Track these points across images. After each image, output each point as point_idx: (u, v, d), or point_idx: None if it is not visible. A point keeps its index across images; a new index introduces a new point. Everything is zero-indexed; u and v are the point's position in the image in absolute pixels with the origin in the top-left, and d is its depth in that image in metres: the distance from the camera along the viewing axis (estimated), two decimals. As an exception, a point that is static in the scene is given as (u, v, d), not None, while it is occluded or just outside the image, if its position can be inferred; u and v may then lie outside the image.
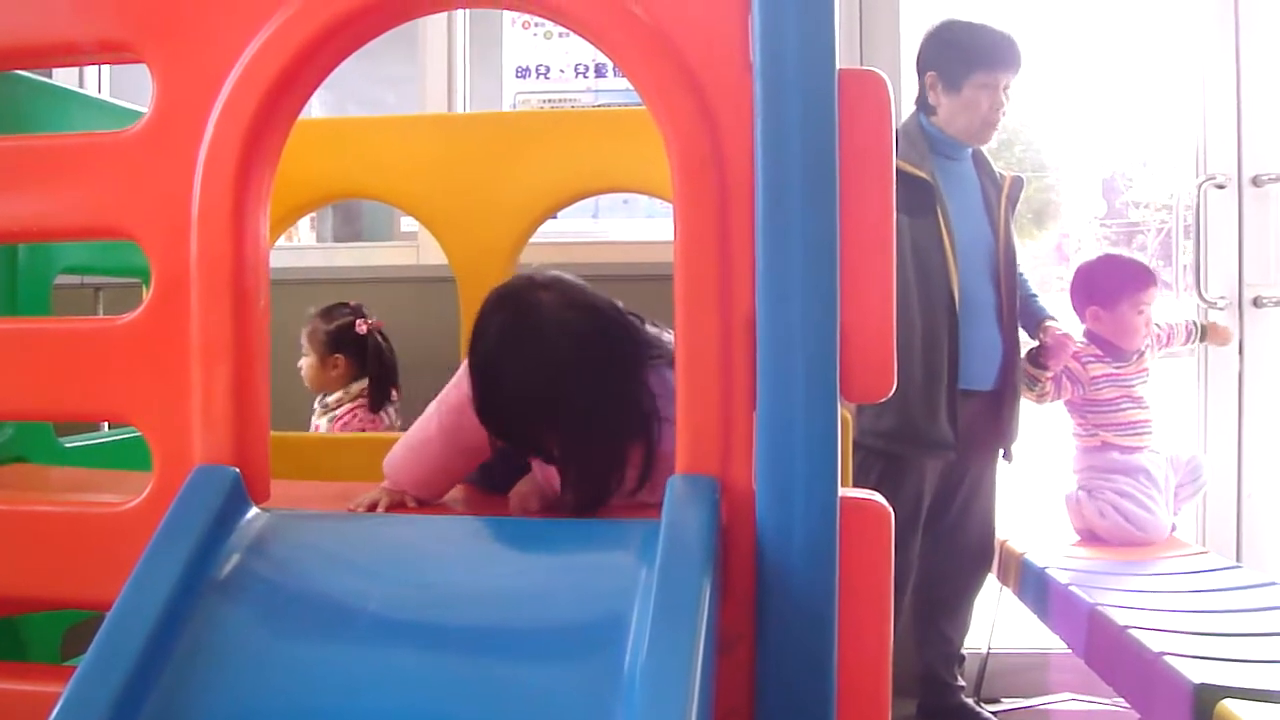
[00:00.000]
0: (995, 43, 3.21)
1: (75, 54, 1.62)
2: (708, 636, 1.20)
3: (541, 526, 1.53)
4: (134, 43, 1.53)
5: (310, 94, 1.55)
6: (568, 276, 1.75)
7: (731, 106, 1.37)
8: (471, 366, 1.71)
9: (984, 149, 3.35)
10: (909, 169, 3.08)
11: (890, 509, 1.41)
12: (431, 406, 1.86)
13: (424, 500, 1.83)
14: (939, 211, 3.11)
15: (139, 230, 1.51)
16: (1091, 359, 3.39)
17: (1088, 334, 3.46)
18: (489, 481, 1.92)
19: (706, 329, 1.37)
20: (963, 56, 3.22)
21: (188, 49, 1.51)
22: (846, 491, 1.39)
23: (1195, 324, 3.51)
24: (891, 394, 1.43)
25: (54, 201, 1.55)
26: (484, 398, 1.70)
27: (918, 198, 3.08)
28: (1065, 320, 3.45)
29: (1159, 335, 3.45)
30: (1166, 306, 3.64)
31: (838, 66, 1.36)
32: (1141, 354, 3.42)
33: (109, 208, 1.53)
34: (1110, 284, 3.43)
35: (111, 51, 1.59)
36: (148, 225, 1.51)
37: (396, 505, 1.80)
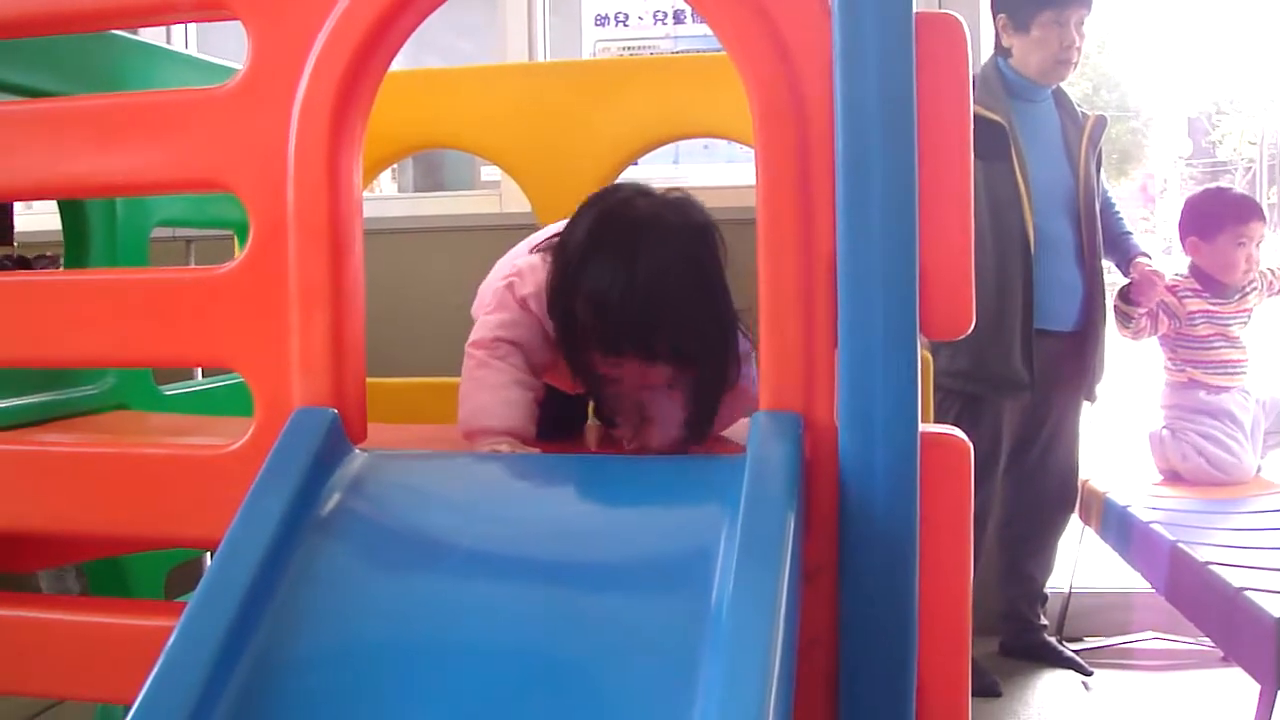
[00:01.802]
0: None
1: (172, 13, 1.67)
2: (792, 570, 1.23)
3: (629, 464, 1.57)
4: (229, 1, 1.58)
5: (401, 45, 1.58)
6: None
7: (810, 51, 1.39)
8: (573, 290, 1.66)
9: (1066, 90, 3.35)
10: (983, 113, 3.08)
11: (970, 444, 1.43)
12: (477, 355, 1.77)
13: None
14: (1014, 154, 3.11)
15: (237, 182, 1.56)
16: (1189, 293, 3.37)
17: (1190, 268, 3.44)
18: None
19: (788, 269, 1.40)
20: None
21: (281, 5, 1.55)
22: (927, 427, 1.42)
23: None
24: (967, 334, 1.45)
25: (157, 155, 1.61)
26: (602, 318, 1.63)
27: (991, 141, 3.08)
28: (1161, 257, 3.44)
29: (1270, 281, 3.41)
30: (1272, 248, 3.59)
31: (915, 10, 1.38)
32: (1245, 294, 3.38)
33: (209, 161, 1.58)
34: (1211, 215, 3.40)
35: (207, 10, 1.63)
36: (246, 177, 1.56)
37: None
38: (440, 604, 1.31)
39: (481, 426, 1.71)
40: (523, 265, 1.80)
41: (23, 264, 2.85)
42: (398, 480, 1.51)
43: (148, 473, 1.63)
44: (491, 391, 1.73)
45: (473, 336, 1.78)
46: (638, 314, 1.61)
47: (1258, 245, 3.35)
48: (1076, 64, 3.24)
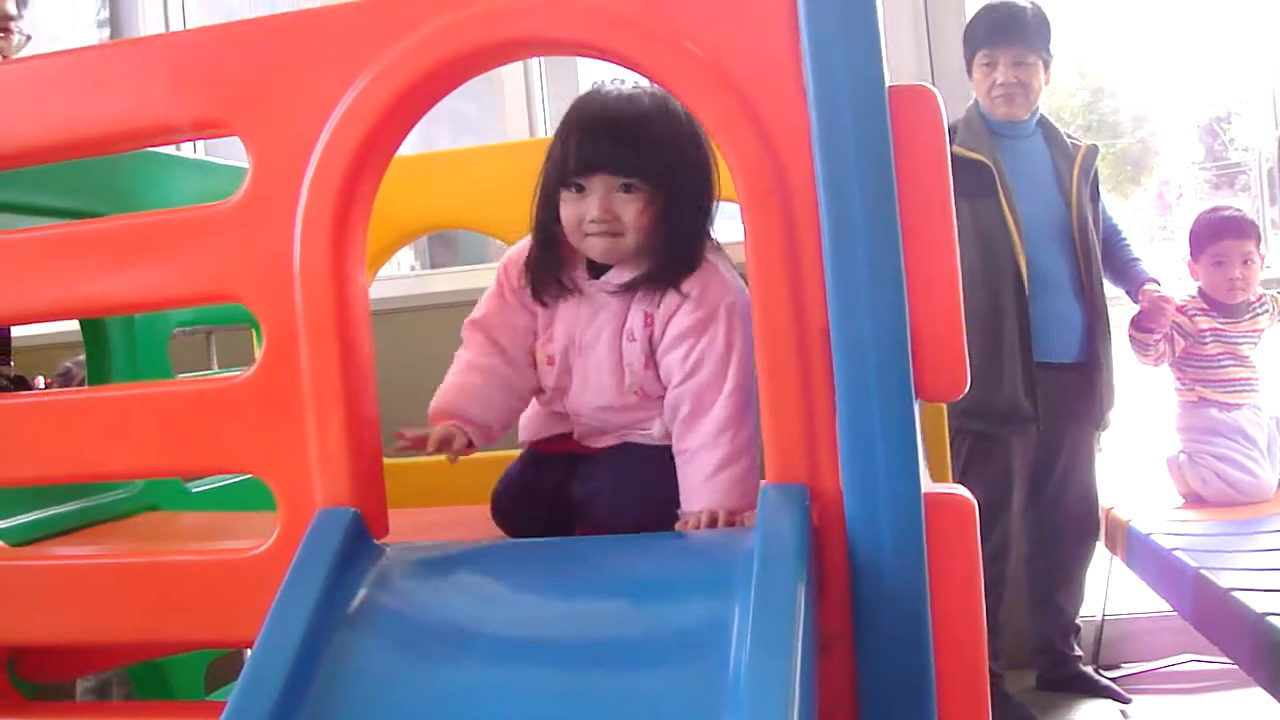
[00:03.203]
0: (989, 20, 3.31)
1: (173, 133, 1.73)
2: (806, 636, 1.26)
3: (642, 541, 1.59)
4: (227, 119, 1.62)
5: (395, 149, 1.63)
6: None
7: (790, 131, 1.43)
8: (556, 143, 1.77)
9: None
10: (966, 154, 3.15)
11: (973, 500, 1.46)
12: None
13: (477, 438, 1.80)
14: (1000, 191, 3.15)
15: (246, 294, 1.61)
16: (1198, 312, 3.39)
17: (1199, 288, 3.47)
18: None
19: (784, 344, 1.44)
20: (967, 40, 3.36)
21: (278, 119, 1.60)
22: (930, 487, 1.45)
23: None
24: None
25: (167, 273, 1.66)
26: (579, 133, 1.73)
27: (977, 181, 3.14)
28: (1180, 265, 3.48)
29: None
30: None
31: (888, 83, 1.42)
32: (1257, 315, 3.40)
33: (217, 275, 1.63)
34: (1194, 237, 3.46)
35: (206, 129, 1.69)
36: (254, 288, 1.61)
37: (449, 441, 1.77)
38: (470, 692, 1.34)
39: (435, 409, 1.83)
40: None
41: (20, 384, 2.90)
42: (421, 573, 1.55)
43: (179, 579, 1.68)
44: (449, 378, 1.87)
45: (469, 321, 1.92)
46: (611, 128, 1.72)
47: (1245, 262, 3.36)
48: (1023, 98, 3.28)
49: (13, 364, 3.01)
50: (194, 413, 1.65)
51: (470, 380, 1.84)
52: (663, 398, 1.76)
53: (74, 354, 2.94)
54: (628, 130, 1.71)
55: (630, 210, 1.71)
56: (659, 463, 1.76)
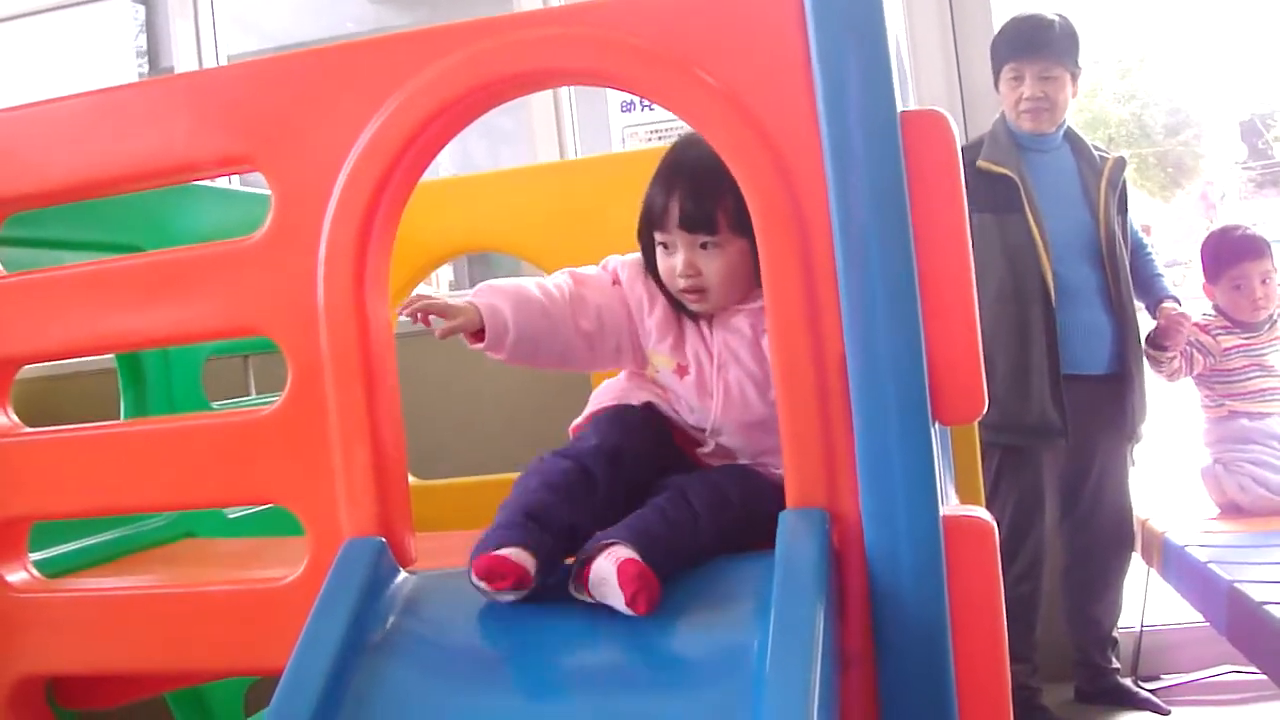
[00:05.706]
0: (1016, 33, 3.28)
1: (197, 170, 1.75)
2: (825, 656, 1.28)
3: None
4: (250, 155, 1.66)
5: (415, 181, 1.65)
6: None
7: (803, 158, 1.45)
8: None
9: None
10: (992, 168, 3.14)
11: (993, 521, 1.47)
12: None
13: (492, 343, 1.74)
14: (1026, 205, 3.14)
15: (272, 327, 1.64)
16: (1221, 330, 3.38)
17: (1215, 307, 3.46)
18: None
19: (802, 371, 1.45)
20: (994, 53, 3.34)
21: (299, 155, 1.63)
22: (950, 509, 1.46)
23: None
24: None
25: (197, 307, 1.69)
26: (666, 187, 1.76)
27: (1002, 195, 3.13)
28: (1188, 298, 3.45)
29: None
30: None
31: (899, 109, 1.43)
32: (1274, 323, 3.39)
33: (244, 310, 1.66)
34: (1210, 260, 3.45)
35: (230, 165, 1.72)
36: (280, 322, 1.64)
37: (463, 327, 1.71)
38: (493, 715, 1.37)
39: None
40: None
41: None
42: (446, 599, 1.56)
43: (211, 609, 1.71)
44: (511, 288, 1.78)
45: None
46: (692, 181, 1.72)
47: (1264, 280, 3.35)
48: (1050, 112, 3.26)
49: None
50: (223, 445, 1.69)
51: (518, 288, 1.77)
52: None
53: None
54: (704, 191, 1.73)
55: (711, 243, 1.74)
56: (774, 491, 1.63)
